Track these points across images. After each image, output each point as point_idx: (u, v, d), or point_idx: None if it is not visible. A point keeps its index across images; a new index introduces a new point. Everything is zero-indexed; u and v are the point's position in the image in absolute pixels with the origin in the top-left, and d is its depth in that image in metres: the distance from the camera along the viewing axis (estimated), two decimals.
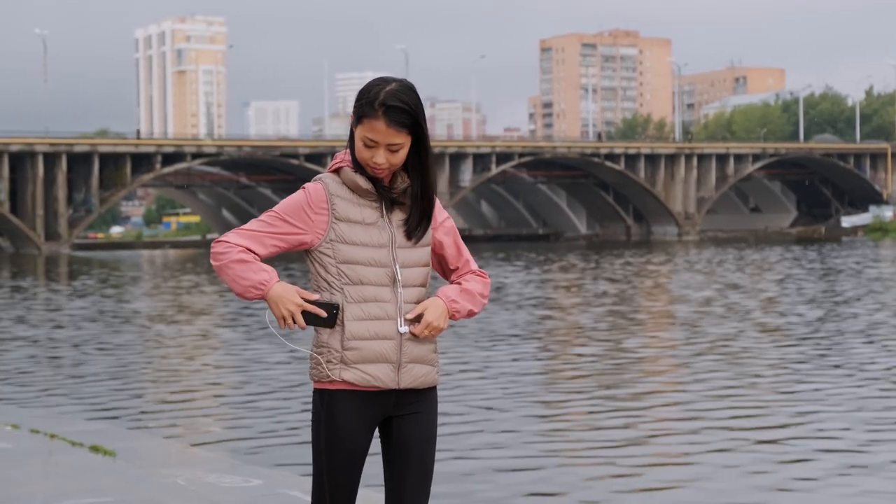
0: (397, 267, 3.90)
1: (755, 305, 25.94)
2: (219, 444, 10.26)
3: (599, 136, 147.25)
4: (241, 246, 3.83)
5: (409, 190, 3.94)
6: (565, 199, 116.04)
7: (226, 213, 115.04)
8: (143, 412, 12.24)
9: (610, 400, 12.98)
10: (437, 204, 4.04)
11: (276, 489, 7.17)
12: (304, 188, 3.91)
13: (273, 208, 3.90)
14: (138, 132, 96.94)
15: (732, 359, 16.51)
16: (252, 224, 3.88)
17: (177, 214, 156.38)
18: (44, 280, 44.20)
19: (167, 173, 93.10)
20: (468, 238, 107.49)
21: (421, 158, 3.93)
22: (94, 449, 8.41)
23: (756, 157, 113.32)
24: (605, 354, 17.29)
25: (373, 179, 3.90)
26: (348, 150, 3.95)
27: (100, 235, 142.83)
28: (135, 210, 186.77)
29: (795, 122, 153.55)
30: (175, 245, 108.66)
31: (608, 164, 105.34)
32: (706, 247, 75.93)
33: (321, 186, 3.90)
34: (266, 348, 18.27)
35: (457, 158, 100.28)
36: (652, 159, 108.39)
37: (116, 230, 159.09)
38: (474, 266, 4.09)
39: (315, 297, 3.84)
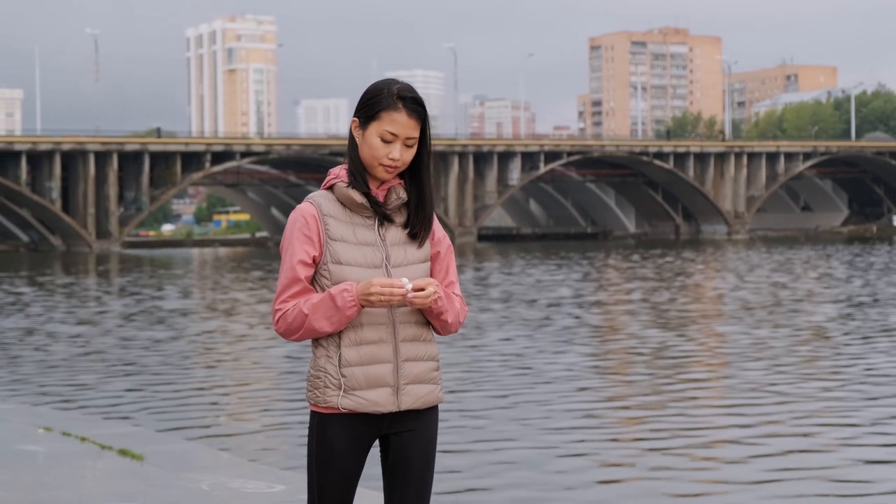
0: None
1: (801, 305, 25.73)
2: (246, 448, 10.30)
3: (668, 134, 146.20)
4: (297, 301, 3.81)
5: (403, 205, 3.92)
6: (614, 197, 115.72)
7: (275, 212, 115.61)
8: (174, 415, 12.29)
9: (650, 408, 12.92)
10: (437, 221, 4.01)
11: (298, 495, 7.19)
12: (293, 215, 3.88)
13: (284, 251, 3.86)
14: (158, 130, 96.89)
15: (776, 362, 16.39)
16: (284, 281, 3.83)
17: (227, 213, 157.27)
18: (94, 277, 44.56)
19: (217, 172, 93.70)
20: (517, 237, 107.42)
21: (422, 162, 3.92)
22: (123, 453, 8.47)
23: (807, 156, 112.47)
24: (648, 354, 17.21)
25: (367, 195, 3.88)
26: (343, 167, 3.95)
27: (151, 233, 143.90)
28: (186, 208, 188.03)
29: (847, 119, 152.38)
30: (225, 243, 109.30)
31: (657, 162, 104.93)
32: (756, 246, 75.41)
33: (313, 208, 3.87)
34: (299, 351, 18.30)
35: (505, 157, 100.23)
36: (701, 158, 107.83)
37: (167, 228, 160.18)
38: (458, 290, 4.03)
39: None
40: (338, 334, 3.84)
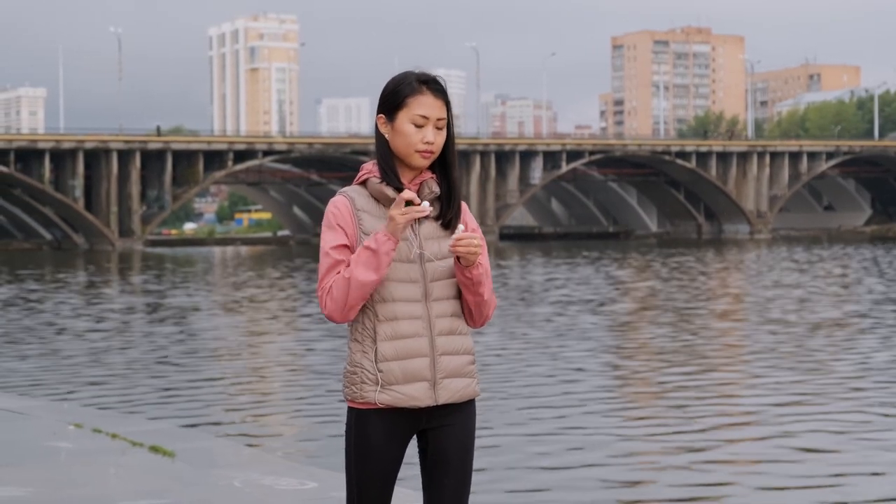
0: (427, 281, 3.87)
1: (817, 305, 25.63)
2: (281, 446, 10.30)
3: (705, 134, 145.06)
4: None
5: (436, 198, 3.92)
6: (636, 196, 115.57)
7: (297, 210, 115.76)
8: (207, 412, 12.31)
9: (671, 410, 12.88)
10: (470, 214, 3.99)
11: (330, 492, 7.18)
12: (329, 207, 3.88)
13: (324, 240, 3.85)
14: (158, 129, 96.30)
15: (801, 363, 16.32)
16: (325, 266, 3.81)
17: (249, 211, 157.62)
18: (116, 275, 44.69)
19: (239, 170, 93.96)
20: (538, 236, 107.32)
21: (448, 150, 3.93)
22: (154, 449, 8.47)
23: (830, 155, 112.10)
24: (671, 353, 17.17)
25: (400, 190, 3.87)
26: (374, 162, 3.94)
27: (173, 232, 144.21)
28: (207, 206, 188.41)
29: (870, 119, 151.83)
30: (246, 242, 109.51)
31: (679, 161, 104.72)
32: (779, 245, 75.17)
33: (347, 201, 3.87)
34: (327, 348, 18.31)
35: (527, 156, 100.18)
36: (724, 157, 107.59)
37: (189, 227, 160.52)
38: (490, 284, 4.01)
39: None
40: (373, 329, 3.83)
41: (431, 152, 3.87)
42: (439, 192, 3.92)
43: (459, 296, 3.94)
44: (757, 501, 8.54)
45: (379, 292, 3.83)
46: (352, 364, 3.88)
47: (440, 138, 3.88)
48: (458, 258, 3.85)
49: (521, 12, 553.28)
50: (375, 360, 3.83)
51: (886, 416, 11.88)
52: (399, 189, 3.86)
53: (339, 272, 3.80)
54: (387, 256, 3.75)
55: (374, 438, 3.85)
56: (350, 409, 3.91)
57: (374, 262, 3.75)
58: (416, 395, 3.84)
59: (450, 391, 3.88)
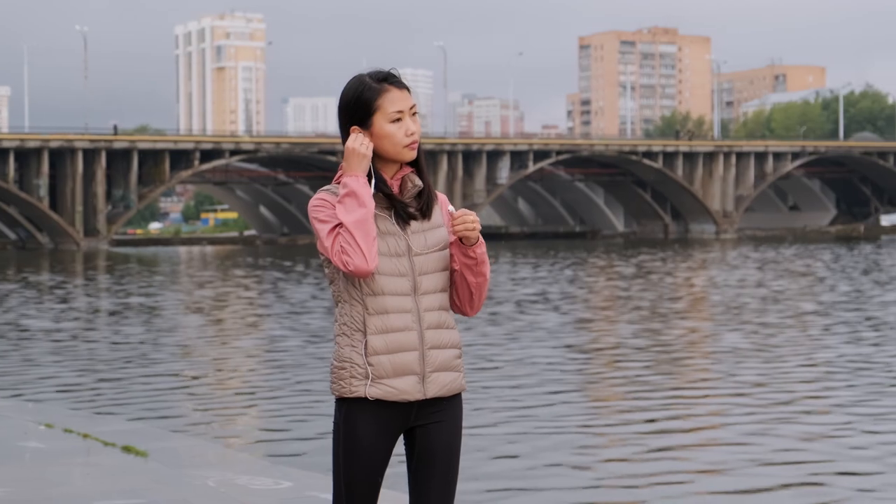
0: (416, 275, 3.87)
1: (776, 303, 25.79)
2: (253, 445, 10.27)
3: (677, 134, 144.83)
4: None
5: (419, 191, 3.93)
6: (603, 196, 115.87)
7: (263, 210, 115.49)
8: (176, 412, 12.27)
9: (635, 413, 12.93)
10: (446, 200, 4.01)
11: (305, 492, 7.17)
12: (313, 202, 3.84)
13: (319, 227, 3.81)
14: (115, 128, 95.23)
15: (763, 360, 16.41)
16: (327, 237, 3.78)
17: (215, 211, 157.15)
18: (80, 275, 44.47)
19: (205, 170, 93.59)
20: (505, 235, 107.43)
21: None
22: (127, 449, 8.44)
23: (795, 156, 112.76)
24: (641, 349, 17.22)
25: (382, 190, 3.87)
26: None
27: (138, 231, 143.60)
28: (173, 206, 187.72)
29: (835, 119, 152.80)
30: (212, 241, 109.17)
31: (646, 161, 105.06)
32: (744, 245, 75.56)
33: (330, 196, 3.85)
34: (296, 346, 18.28)
35: (494, 156, 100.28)
36: (690, 157, 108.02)
37: (155, 226, 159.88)
38: None
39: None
40: (363, 322, 3.83)
41: (416, 141, 3.89)
42: (422, 185, 3.93)
43: (447, 289, 3.95)
44: (721, 484, 8.59)
45: (369, 285, 3.82)
46: (339, 359, 3.86)
47: (417, 125, 3.90)
48: (460, 239, 3.88)
49: (489, 12, 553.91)
50: (365, 354, 3.82)
51: (849, 413, 11.98)
52: (388, 194, 3.86)
53: (338, 233, 3.78)
54: (363, 189, 3.76)
55: (363, 434, 3.83)
56: (338, 405, 3.89)
57: (354, 201, 3.76)
58: (405, 388, 3.83)
59: (438, 385, 3.88)
